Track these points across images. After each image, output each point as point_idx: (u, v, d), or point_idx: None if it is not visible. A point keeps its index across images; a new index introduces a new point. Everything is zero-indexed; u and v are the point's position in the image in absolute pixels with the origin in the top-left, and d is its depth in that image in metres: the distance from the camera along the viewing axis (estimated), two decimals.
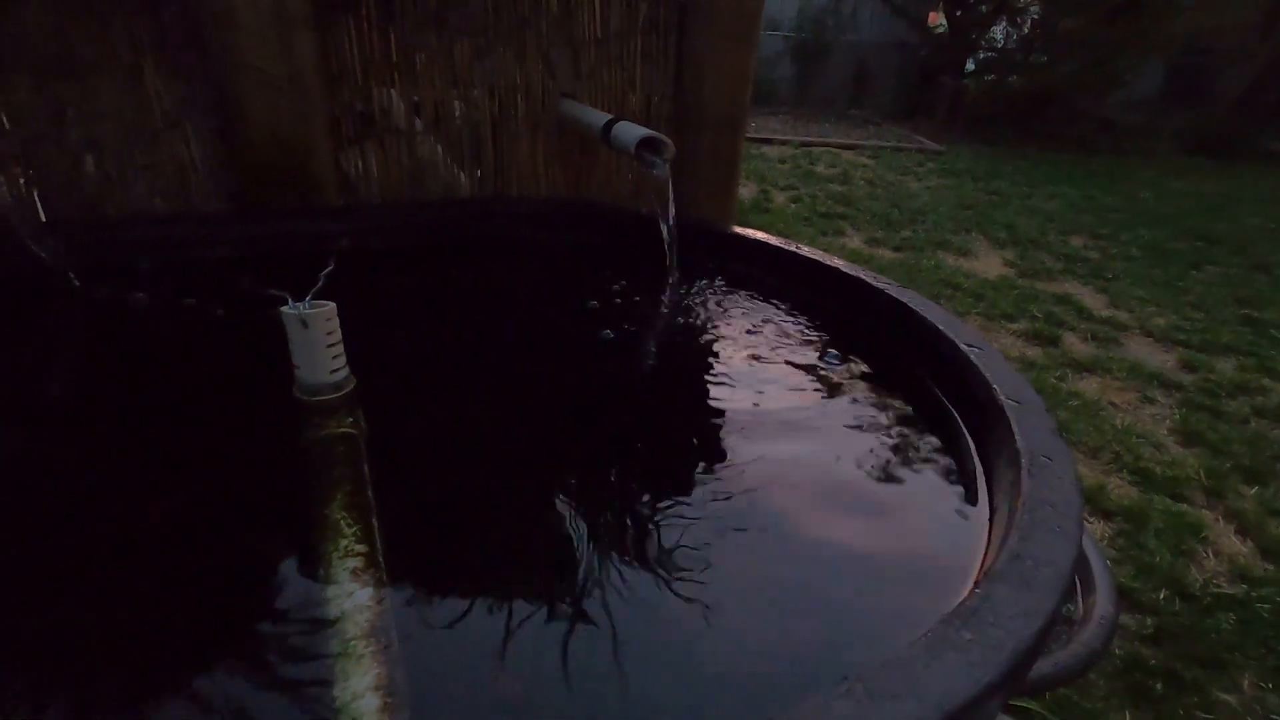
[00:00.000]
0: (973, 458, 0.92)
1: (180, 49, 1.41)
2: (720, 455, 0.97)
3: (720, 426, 1.04)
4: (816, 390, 1.12)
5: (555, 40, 1.67)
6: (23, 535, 0.78)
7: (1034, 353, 3.50)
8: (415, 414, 1.05)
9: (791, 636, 0.71)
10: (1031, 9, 10.20)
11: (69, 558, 0.75)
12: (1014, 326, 3.78)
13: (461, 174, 1.74)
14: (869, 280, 1.26)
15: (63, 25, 1.33)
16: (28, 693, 0.61)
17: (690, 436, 1.05)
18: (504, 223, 1.70)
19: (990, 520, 0.80)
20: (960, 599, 0.59)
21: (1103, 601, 0.97)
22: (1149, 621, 1.93)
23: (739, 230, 1.55)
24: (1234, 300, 4.35)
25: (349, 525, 0.72)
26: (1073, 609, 0.98)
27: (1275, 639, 1.89)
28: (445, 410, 1.07)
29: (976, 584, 0.60)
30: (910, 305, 1.15)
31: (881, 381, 1.14)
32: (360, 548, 0.69)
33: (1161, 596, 2.01)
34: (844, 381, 1.14)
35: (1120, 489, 2.48)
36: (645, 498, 0.89)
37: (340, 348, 0.92)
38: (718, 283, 1.49)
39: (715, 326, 1.34)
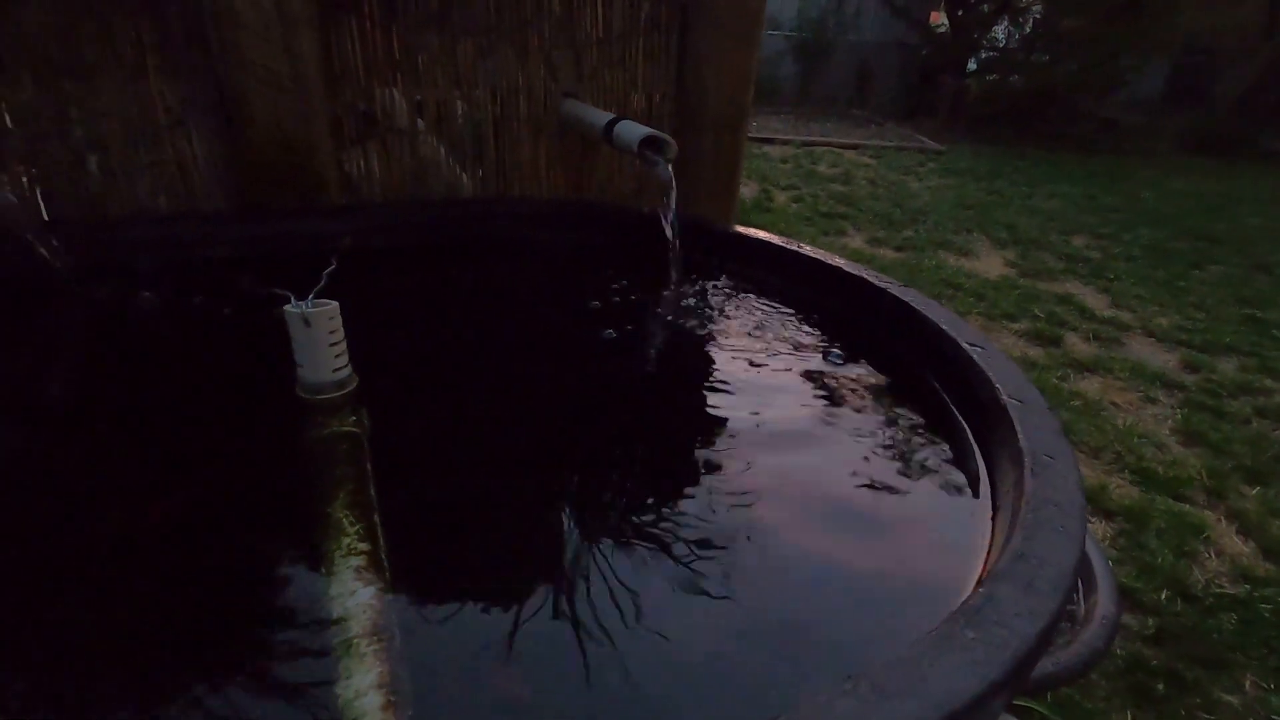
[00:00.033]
0: (975, 457, 0.92)
1: (183, 48, 1.41)
2: (721, 455, 0.97)
3: (721, 426, 1.04)
4: (818, 389, 1.12)
5: (558, 40, 1.67)
6: (23, 535, 0.78)
7: (1035, 353, 3.50)
8: (417, 413, 1.05)
9: (793, 635, 0.71)
10: (1033, 9, 10.19)
11: (69, 558, 0.75)
12: (1015, 326, 3.78)
13: (463, 174, 1.74)
14: (871, 280, 1.26)
15: (65, 25, 1.33)
16: (28, 693, 0.61)
17: (691, 436, 1.04)
18: (506, 223, 1.70)
19: (993, 519, 0.80)
20: (964, 598, 0.58)
21: (1105, 601, 0.97)
22: (1151, 622, 1.93)
23: (741, 230, 1.55)
24: (1236, 300, 4.34)
25: (351, 523, 0.72)
26: (1075, 609, 0.98)
27: (1277, 639, 1.89)
28: (446, 410, 1.07)
29: (980, 583, 0.60)
30: (912, 305, 1.15)
31: (884, 381, 1.14)
32: (363, 546, 0.69)
33: (1163, 597, 2.01)
34: (846, 381, 1.14)
35: (1122, 489, 2.48)
36: (646, 498, 0.89)
37: (343, 346, 0.92)
38: (719, 282, 1.49)
39: (717, 326, 1.34)
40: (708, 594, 0.73)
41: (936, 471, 0.93)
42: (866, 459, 0.96)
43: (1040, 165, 8.04)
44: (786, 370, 1.17)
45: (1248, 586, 2.08)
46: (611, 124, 1.49)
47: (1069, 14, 9.55)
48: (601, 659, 0.65)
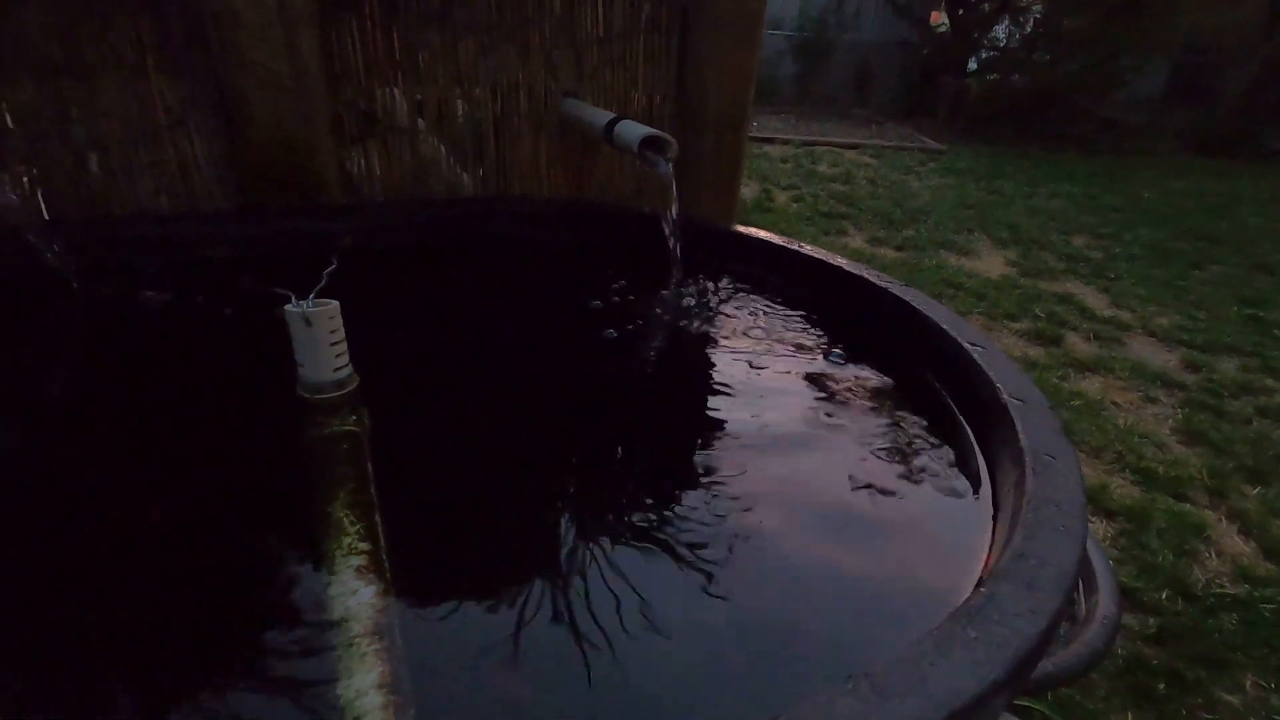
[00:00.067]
0: (977, 456, 0.92)
1: (183, 48, 1.41)
2: (721, 455, 0.97)
3: (722, 426, 1.04)
4: (819, 389, 1.12)
5: (558, 39, 1.67)
6: (23, 535, 0.77)
7: (1036, 352, 3.50)
8: (417, 413, 1.05)
9: (794, 634, 0.70)
10: (1034, 8, 10.17)
11: (69, 558, 0.75)
12: (1016, 326, 3.78)
13: (464, 173, 1.74)
14: (872, 279, 1.26)
15: (66, 25, 1.33)
16: (28, 692, 0.61)
17: (691, 437, 1.04)
18: (506, 222, 1.70)
19: (994, 519, 0.80)
20: (965, 597, 0.58)
21: (1105, 601, 0.97)
22: (1151, 621, 1.93)
23: (741, 229, 1.55)
24: (1237, 300, 4.34)
25: (352, 523, 0.72)
26: (1076, 608, 0.98)
27: (1278, 639, 1.89)
28: (447, 409, 1.07)
29: (981, 582, 0.60)
30: (913, 304, 1.15)
31: (885, 380, 1.14)
32: (364, 546, 0.69)
33: (1164, 596, 2.01)
34: (847, 380, 1.14)
35: (1123, 489, 2.48)
36: (646, 498, 0.89)
37: (343, 346, 0.92)
38: (720, 282, 1.49)
39: (717, 326, 1.34)
40: (708, 594, 0.73)
41: (937, 471, 0.93)
42: (867, 459, 0.96)
43: (1041, 165, 8.04)
44: (787, 370, 1.17)
45: (1248, 586, 2.07)
46: (612, 123, 1.49)
47: (1070, 14, 9.53)
48: (601, 659, 0.65)
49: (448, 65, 1.62)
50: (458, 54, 1.61)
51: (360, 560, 0.68)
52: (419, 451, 0.96)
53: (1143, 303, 4.22)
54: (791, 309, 1.37)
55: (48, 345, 1.20)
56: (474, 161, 1.74)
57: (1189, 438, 2.84)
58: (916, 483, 0.92)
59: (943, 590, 0.70)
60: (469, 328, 1.35)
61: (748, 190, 6.00)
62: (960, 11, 10.40)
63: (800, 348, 1.24)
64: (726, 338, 1.29)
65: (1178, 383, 3.26)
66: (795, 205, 5.83)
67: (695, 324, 1.35)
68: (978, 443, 0.94)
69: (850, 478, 0.94)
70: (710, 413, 1.09)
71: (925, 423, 1.04)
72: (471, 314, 1.41)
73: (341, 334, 0.92)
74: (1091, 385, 3.21)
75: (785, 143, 8.36)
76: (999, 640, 0.53)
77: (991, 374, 0.93)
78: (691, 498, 0.87)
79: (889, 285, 1.22)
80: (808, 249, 1.41)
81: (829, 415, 1.05)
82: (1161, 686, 1.74)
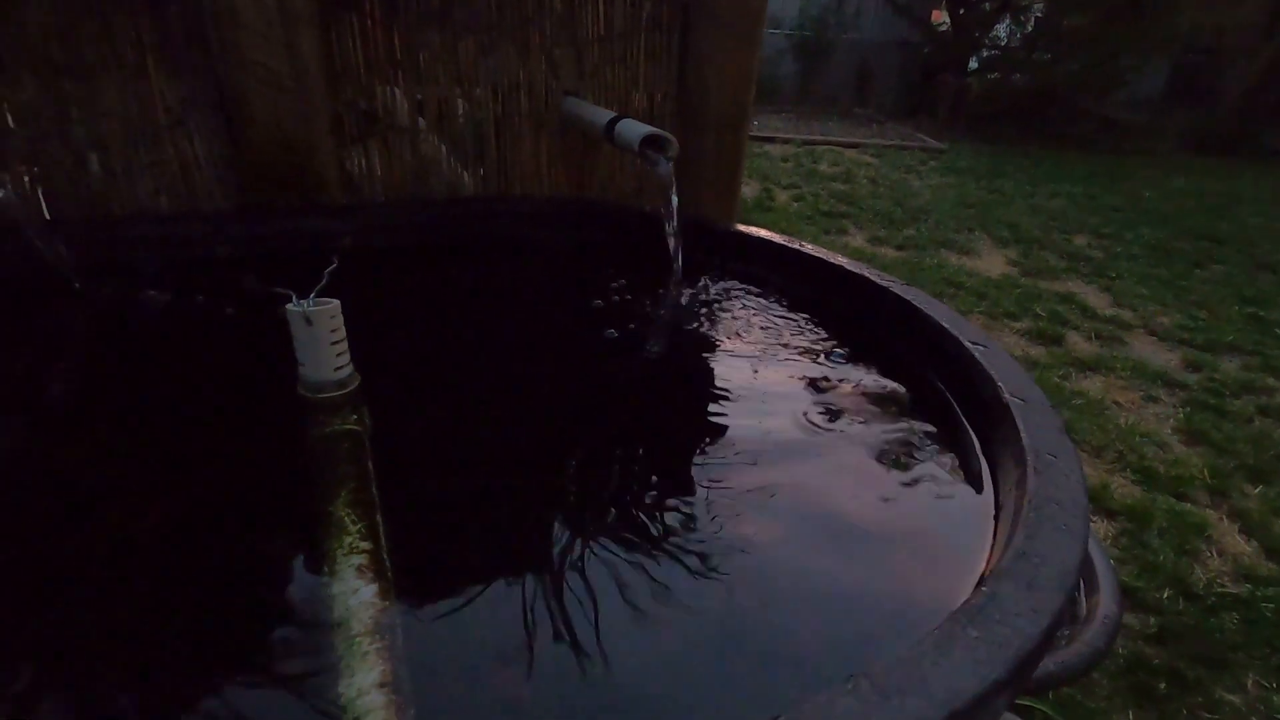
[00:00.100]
0: (978, 455, 0.92)
1: (183, 47, 1.41)
2: (722, 454, 0.97)
3: (722, 426, 1.04)
4: (820, 387, 1.12)
5: (559, 38, 1.67)
6: (23, 535, 0.77)
7: (1037, 352, 3.50)
8: (418, 413, 1.05)
9: (795, 634, 0.70)
10: (1035, 7, 10.17)
11: (69, 558, 0.75)
12: (1017, 325, 3.78)
13: (465, 172, 1.74)
14: (873, 278, 1.26)
15: (66, 25, 1.33)
16: (28, 693, 0.61)
17: (692, 436, 1.04)
18: (507, 221, 1.70)
19: (996, 518, 0.79)
20: (966, 596, 0.58)
21: (1106, 601, 0.97)
22: (1152, 621, 1.93)
23: (742, 228, 1.55)
24: (1238, 299, 4.34)
25: (353, 522, 0.72)
26: (1077, 608, 0.98)
27: (1279, 638, 1.89)
28: (448, 409, 1.07)
29: (983, 582, 0.60)
30: (914, 303, 1.15)
31: (886, 379, 1.14)
32: (365, 545, 0.69)
33: (1165, 596, 2.01)
34: (848, 379, 1.14)
35: (1124, 488, 2.48)
36: (647, 498, 0.89)
37: (344, 345, 0.92)
38: (721, 281, 1.48)
39: (718, 325, 1.34)
40: (709, 594, 0.73)
41: (938, 469, 0.93)
42: (868, 457, 0.96)
43: (1042, 164, 8.04)
44: (788, 369, 1.17)
45: (1250, 586, 2.07)
46: (613, 122, 1.49)
47: (1070, 13, 9.54)
48: (602, 659, 0.65)
49: (448, 64, 1.62)
50: (458, 53, 1.61)
51: (361, 559, 0.67)
52: (420, 451, 0.96)
53: (1144, 302, 4.22)
54: (792, 308, 1.37)
55: (48, 345, 1.20)
56: (475, 161, 1.74)
57: (1190, 437, 2.84)
58: (917, 480, 0.92)
59: (944, 589, 0.70)
60: (470, 327, 1.35)
61: (748, 189, 6.00)
62: (961, 10, 10.40)
63: (801, 347, 1.24)
64: (727, 337, 1.29)
65: (1179, 382, 3.26)
66: (796, 204, 5.83)
67: (696, 323, 1.35)
68: (979, 441, 0.94)
69: (851, 476, 0.94)
70: (711, 412, 1.09)
71: (926, 421, 1.04)
72: (472, 313, 1.41)
73: (342, 333, 0.91)
74: (1093, 384, 3.21)
75: (786, 142, 8.36)
76: (1000, 639, 0.53)
77: (993, 373, 0.93)
78: (692, 497, 0.87)
79: (890, 284, 1.22)
80: (809, 248, 1.41)
81: (829, 414, 1.05)
82: (1162, 686, 1.74)
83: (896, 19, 11.19)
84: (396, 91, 1.60)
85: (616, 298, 1.43)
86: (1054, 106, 9.66)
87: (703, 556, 0.77)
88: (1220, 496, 2.48)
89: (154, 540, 0.77)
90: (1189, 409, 3.03)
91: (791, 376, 1.15)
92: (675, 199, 1.39)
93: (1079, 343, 3.64)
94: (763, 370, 1.17)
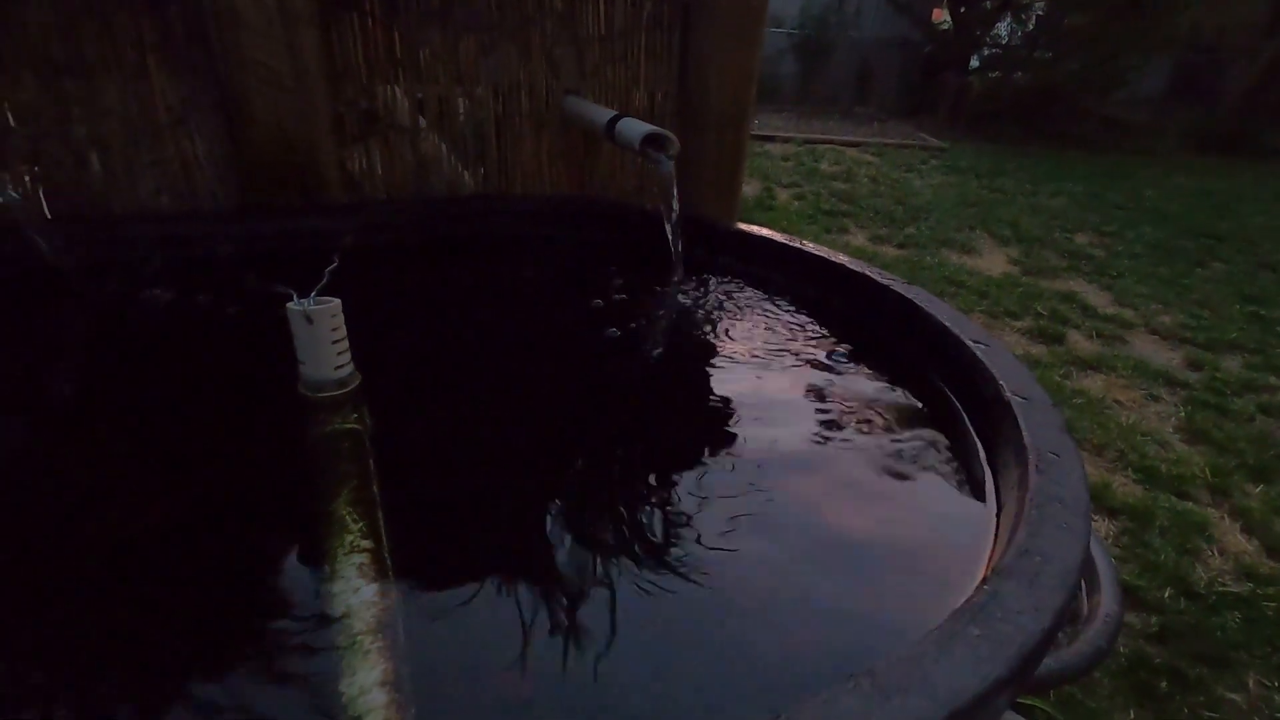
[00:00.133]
0: (979, 454, 0.92)
1: (184, 47, 1.41)
2: (723, 455, 0.97)
3: (723, 425, 1.04)
4: (822, 388, 1.11)
5: (560, 37, 1.67)
6: (23, 535, 0.77)
7: (1038, 350, 3.50)
8: (418, 412, 1.05)
9: (796, 634, 0.70)
10: (1036, 6, 10.16)
11: (69, 557, 0.75)
12: (1018, 324, 3.77)
13: (465, 171, 1.74)
14: (874, 277, 1.25)
15: (67, 24, 1.33)
16: (28, 693, 0.61)
17: (692, 435, 1.04)
18: (507, 220, 1.70)
19: (998, 516, 0.79)
20: (968, 595, 0.58)
21: (1108, 600, 0.97)
22: (1154, 620, 1.92)
23: (743, 227, 1.55)
24: (1240, 298, 4.33)
25: (355, 521, 0.72)
26: (1079, 607, 0.98)
27: None
28: (448, 408, 1.07)
29: (985, 580, 0.60)
30: (916, 301, 1.15)
31: (888, 378, 1.14)
32: (366, 543, 0.69)
33: (1166, 595, 2.01)
34: (850, 378, 1.14)
35: (1125, 487, 2.48)
36: (647, 497, 0.89)
37: (345, 344, 0.92)
38: (722, 280, 1.48)
39: (719, 324, 1.34)
40: (710, 594, 0.73)
41: (940, 467, 0.93)
42: (869, 456, 0.96)
43: (1043, 163, 8.03)
44: (789, 368, 1.17)
45: (1251, 584, 2.07)
46: (613, 121, 1.49)
47: (1072, 11, 9.52)
48: (603, 658, 0.64)
49: (449, 63, 1.62)
50: (459, 52, 1.61)
51: (362, 558, 0.67)
52: (420, 450, 0.96)
53: (1145, 301, 4.22)
54: (793, 307, 1.37)
55: (49, 344, 1.20)
56: (475, 160, 1.74)
57: (1191, 436, 2.83)
58: (918, 479, 0.92)
59: (948, 587, 0.70)
60: (470, 326, 1.35)
61: (749, 188, 6.00)
62: (962, 9, 10.38)
63: (802, 346, 1.24)
64: (728, 336, 1.29)
65: (1180, 381, 3.26)
66: (797, 203, 5.83)
67: (696, 323, 1.35)
68: (980, 440, 0.94)
69: (851, 475, 0.94)
70: (711, 412, 1.09)
71: (928, 419, 1.04)
72: (473, 312, 1.40)
73: (343, 332, 0.91)
74: (1094, 383, 3.21)
75: (787, 141, 8.36)
76: (1002, 638, 0.52)
77: (995, 371, 0.92)
78: (693, 497, 0.87)
79: (891, 283, 1.22)
80: (810, 247, 1.40)
81: (830, 413, 1.05)
82: (1164, 685, 1.74)
83: (897, 18, 11.18)
84: (397, 91, 1.60)
85: (617, 297, 1.43)
86: (1055, 105, 9.64)
87: (703, 557, 0.77)
88: (1221, 495, 2.48)
89: (154, 540, 0.77)
90: (1190, 408, 3.02)
91: (792, 376, 1.15)
92: (676, 198, 1.39)
93: (1080, 341, 3.64)
94: (763, 370, 1.16)
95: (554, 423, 1.07)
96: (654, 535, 0.80)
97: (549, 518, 0.84)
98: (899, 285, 1.21)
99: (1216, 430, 2.84)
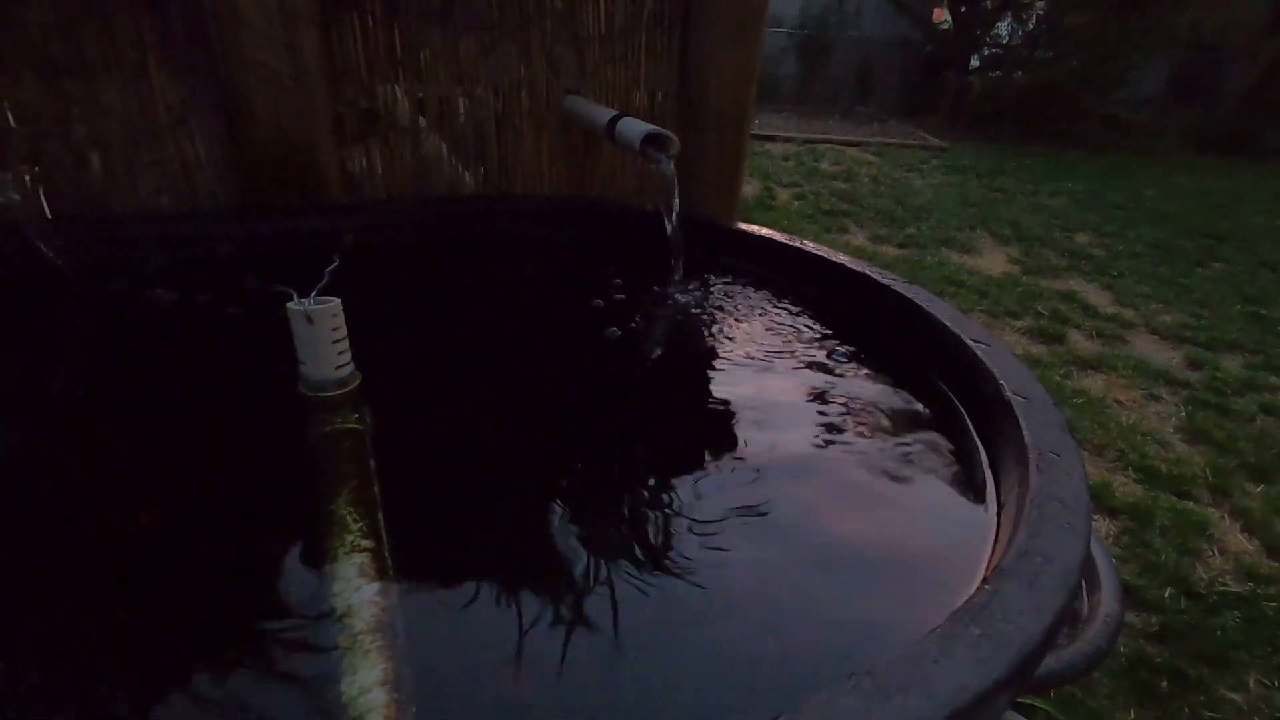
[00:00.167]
0: (980, 453, 0.92)
1: (184, 46, 1.41)
2: (723, 455, 0.97)
3: (724, 426, 1.04)
4: (822, 387, 1.11)
5: (560, 37, 1.67)
6: (23, 535, 0.77)
7: (1039, 350, 3.49)
8: (419, 411, 1.05)
9: (796, 634, 0.70)
10: (1036, 5, 10.16)
11: (69, 557, 0.75)
12: (1018, 324, 3.77)
13: (465, 171, 1.74)
14: (875, 276, 1.25)
15: (67, 24, 1.33)
16: (28, 693, 0.61)
17: (694, 436, 1.04)
18: (508, 220, 1.70)
19: (998, 516, 0.79)
20: (969, 595, 0.58)
21: (1108, 599, 0.96)
22: (1154, 619, 1.92)
23: (743, 227, 1.55)
24: (1240, 297, 4.33)
25: (355, 520, 0.72)
26: (1079, 606, 0.98)
27: None
28: (448, 408, 1.07)
29: (985, 580, 0.60)
30: (916, 301, 1.15)
31: (888, 378, 1.14)
32: (366, 543, 0.69)
33: (1167, 594, 2.00)
34: (850, 378, 1.14)
35: (1125, 487, 2.48)
36: (647, 497, 0.89)
37: (345, 344, 0.92)
38: (722, 279, 1.48)
39: (719, 324, 1.34)
40: (711, 594, 0.73)
41: (940, 467, 0.93)
42: (869, 455, 0.96)
43: (1043, 162, 8.03)
44: (789, 367, 1.17)
45: (1252, 584, 2.07)
46: (614, 121, 1.49)
47: (1072, 11, 9.51)
48: (603, 657, 0.65)
49: (449, 63, 1.62)
50: (459, 52, 1.61)
51: (363, 557, 0.67)
52: (420, 450, 0.96)
53: (1145, 300, 4.22)
54: (794, 307, 1.37)
55: (49, 344, 1.20)
56: (475, 159, 1.74)
57: (1192, 435, 2.83)
58: (918, 478, 0.92)
59: (948, 587, 0.70)
60: (470, 326, 1.35)
61: (749, 188, 6.00)
62: (962, 8, 10.38)
63: (802, 345, 1.23)
64: (728, 336, 1.29)
65: (1181, 380, 3.26)
66: (797, 203, 5.83)
67: (696, 322, 1.35)
68: (981, 439, 0.94)
69: (851, 474, 0.94)
70: (711, 412, 1.09)
71: (928, 419, 1.04)
72: (473, 312, 1.40)
73: (343, 332, 0.91)
74: (1094, 383, 3.21)
75: (787, 140, 8.36)
76: (1003, 638, 0.52)
77: (995, 371, 0.92)
78: (693, 497, 0.87)
79: (892, 282, 1.22)
80: (810, 246, 1.40)
81: (830, 412, 1.05)
82: (1164, 685, 1.74)
83: (898, 17, 11.18)
84: (397, 90, 1.60)
85: (617, 296, 1.43)
86: (1055, 105, 9.64)
87: (703, 558, 0.77)
88: (1222, 495, 2.48)
89: (154, 540, 0.77)
90: (1190, 407, 3.02)
91: (792, 376, 1.15)
92: (676, 197, 1.39)
93: (1080, 341, 3.64)
94: (763, 369, 1.16)
95: (554, 423, 1.07)
96: (654, 535, 0.80)
97: (549, 518, 0.84)
98: (899, 285, 1.21)
99: (1217, 430, 2.84)
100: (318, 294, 0.89)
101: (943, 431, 1.00)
